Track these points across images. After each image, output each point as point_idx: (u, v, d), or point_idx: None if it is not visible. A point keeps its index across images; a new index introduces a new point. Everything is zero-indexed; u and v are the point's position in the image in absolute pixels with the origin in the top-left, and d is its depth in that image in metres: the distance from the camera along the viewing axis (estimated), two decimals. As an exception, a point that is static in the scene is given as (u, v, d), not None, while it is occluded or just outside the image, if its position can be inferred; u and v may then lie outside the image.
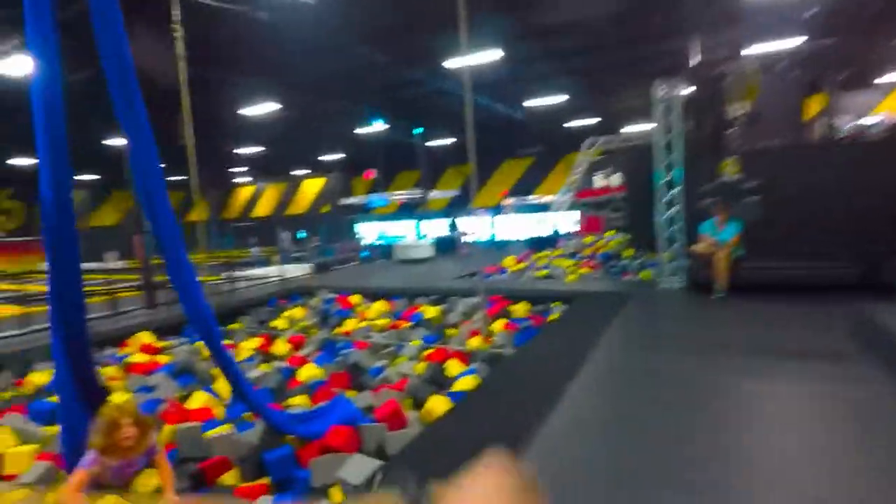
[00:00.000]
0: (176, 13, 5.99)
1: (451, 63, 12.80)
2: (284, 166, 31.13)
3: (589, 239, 14.07)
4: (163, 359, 5.51)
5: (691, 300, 6.29)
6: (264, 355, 5.80)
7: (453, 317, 6.59)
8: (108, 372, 4.97)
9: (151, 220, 2.72)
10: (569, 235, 16.83)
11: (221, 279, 10.47)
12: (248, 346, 5.93)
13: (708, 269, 6.23)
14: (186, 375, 4.98)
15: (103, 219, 30.55)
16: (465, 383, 3.89)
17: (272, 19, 9.56)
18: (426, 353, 5.08)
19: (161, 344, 6.12)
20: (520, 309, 6.53)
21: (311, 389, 4.32)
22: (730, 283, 6.08)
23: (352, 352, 5.21)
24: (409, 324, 6.63)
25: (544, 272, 9.13)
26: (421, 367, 4.63)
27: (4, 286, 14.84)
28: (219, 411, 3.99)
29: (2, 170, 23.40)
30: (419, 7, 10.16)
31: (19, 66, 10.37)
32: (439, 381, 4.17)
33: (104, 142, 18.87)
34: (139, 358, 5.46)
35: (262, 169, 31.45)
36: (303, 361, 5.26)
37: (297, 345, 6.13)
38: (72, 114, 2.71)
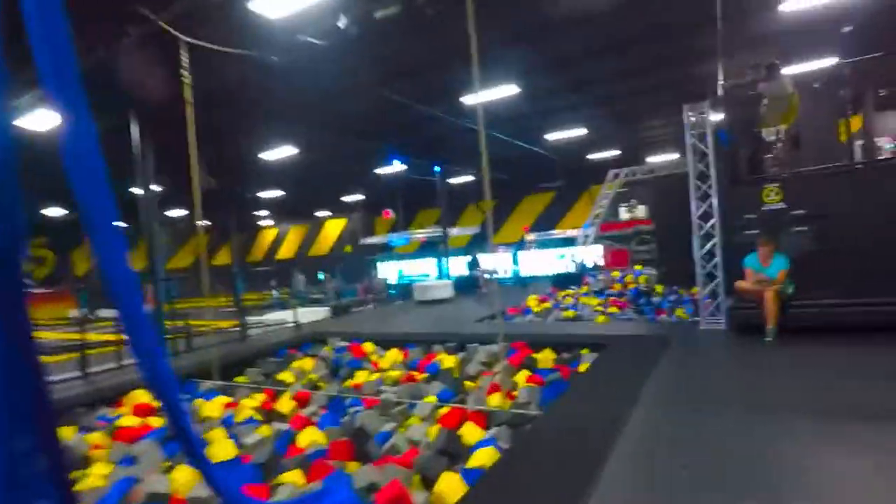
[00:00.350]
0: (184, 59, 5.83)
1: (467, 99, 12.63)
2: (306, 208, 31.42)
3: (616, 274, 13.40)
4: (156, 421, 5.08)
5: (737, 344, 5.61)
6: (266, 414, 5.34)
7: (472, 367, 6.03)
8: (92, 439, 4.56)
9: (100, 263, 2.25)
10: (595, 270, 16.15)
11: (234, 326, 10.14)
12: (250, 405, 5.47)
13: (754, 309, 5.57)
14: (176, 442, 4.52)
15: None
16: (484, 457, 3.33)
17: (286, 62, 9.54)
18: (441, 412, 4.52)
19: (158, 403, 5.70)
20: (545, 357, 5.94)
21: (308, 461, 3.80)
22: (780, 325, 5.40)
23: (358, 413, 4.69)
24: (425, 375, 6.09)
25: (571, 312, 8.52)
26: (434, 431, 4.08)
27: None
28: (201, 491, 3.50)
29: (35, 220, 24.07)
30: (434, 44, 10.04)
31: (44, 119, 10.43)
32: (454, 452, 3.60)
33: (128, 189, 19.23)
34: (129, 421, 5.04)
35: (284, 212, 31.79)
36: (305, 423, 4.77)
37: (302, 402, 5.64)
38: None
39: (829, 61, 10.06)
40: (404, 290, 17.01)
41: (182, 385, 6.56)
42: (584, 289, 11.88)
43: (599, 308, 8.78)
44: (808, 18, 9.35)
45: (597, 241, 18.50)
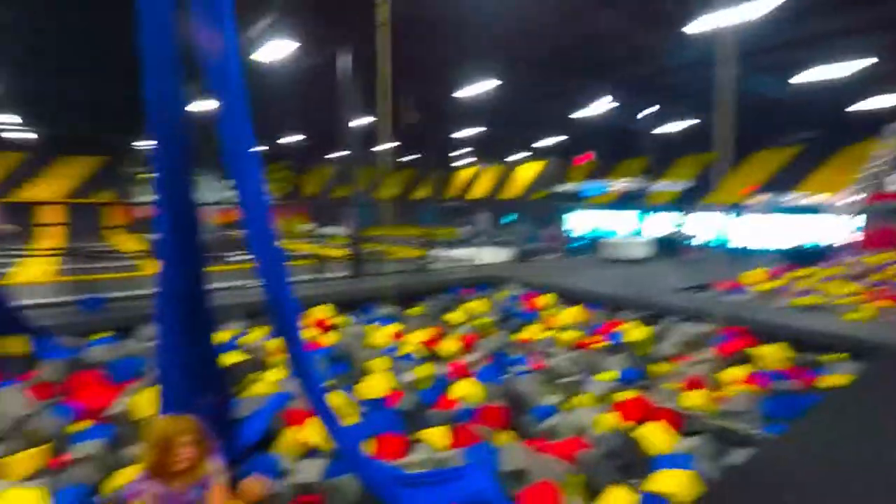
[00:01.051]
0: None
1: (698, 26, 10.33)
2: (500, 150, 31.23)
3: (884, 257, 10.17)
4: (328, 339, 5.24)
5: None
6: (429, 352, 5.12)
7: (666, 346, 4.93)
8: (270, 346, 4.85)
9: (237, 186, 2.11)
10: (847, 249, 12.62)
11: (417, 256, 10.40)
12: (415, 339, 5.32)
13: None
14: (342, 363, 4.55)
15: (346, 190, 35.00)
16: (672, 482, 2.44)
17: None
18: (619, 396, 3.67)
19: (335, 320, 5.94)
20: (774, 355, 4.50)
21: (456, 420, 3.37)
22: None
23: (519, 376, 4.10)
24: (605, 343, 5.20)
25: (810, 299, 6.57)
26: (607, 420, 3.27)
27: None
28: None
29: (277, 146, 28.45)
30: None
31: (274, 51, 11.23)
32: (630, 460, 2.78)
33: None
34: (306, 333, 5.28)
35: (479, 152, 32.15)
36: (464, 371, 4.37)
37: (467, 346, 5.30)
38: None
39: None
40: (592, 244, 15.74)
41: (360, 306, 6.82)
42: (833, 271, 9.23)
43: (856, 299, 6.60)
44: None
45: (861, 212, 14.42)
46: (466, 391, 3.84)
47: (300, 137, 27.34)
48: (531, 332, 5.68)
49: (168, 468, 1.98)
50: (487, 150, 31.16)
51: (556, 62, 14.39)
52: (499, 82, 15.65)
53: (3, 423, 3.18)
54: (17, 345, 4.12)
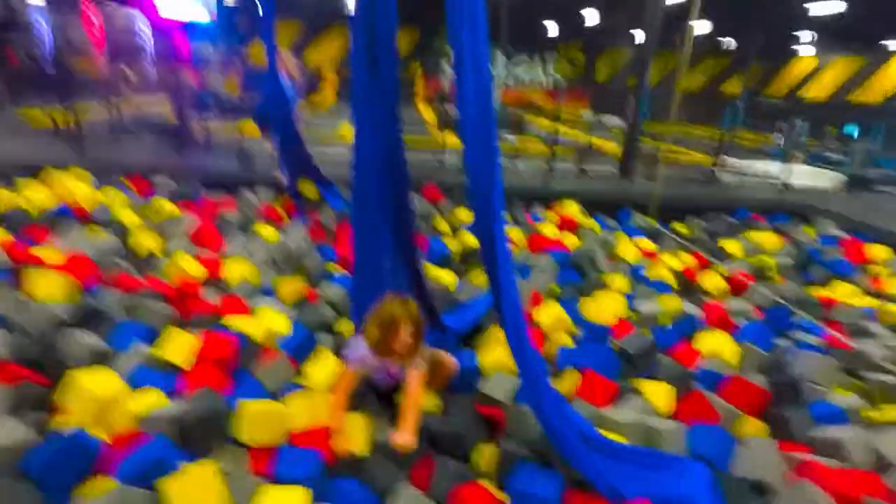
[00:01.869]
0: None
1: None
2: (869, 32, 22.69)
3: None
4: (569, 240, 4.79)
5: None
6: (684, 283, 4.25)
7: None
8: (512, 233, 4.67)
9: (459, 90, 1.86)
10: None
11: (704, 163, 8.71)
12: (669, 263, 4.48)
13: None
14: (572, 270, 4.11)
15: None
16: None
17: None
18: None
19: (582, 221, 5.40)
20: None
21: (689, 381, 2.66)
22: None
23: (801, 349, 3.00)
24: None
25: None
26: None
27: (546, 124, 17.40)
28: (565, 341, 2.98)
29: (573, 23, 26.58)
30: None
31: None
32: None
33: None
34: (547, 229, 4.93)
35: (833, 36, 24.13)
36: (722, 320, 3.45)
37: (737, 287, 4.22)
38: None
39: None
40: None
41: (618, 211, 6.07)
42: None
43: None
44: None
45: None
46: (717, 346, 3.02)
47: (597, 14, 24.90)
48: (841, 293, 4.19)
49: (388, 347, 2.05)
50: (846, 34, 23.08)
51: None
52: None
53: (284, 251, 3.84)
54: (310, 189, 4.91)
